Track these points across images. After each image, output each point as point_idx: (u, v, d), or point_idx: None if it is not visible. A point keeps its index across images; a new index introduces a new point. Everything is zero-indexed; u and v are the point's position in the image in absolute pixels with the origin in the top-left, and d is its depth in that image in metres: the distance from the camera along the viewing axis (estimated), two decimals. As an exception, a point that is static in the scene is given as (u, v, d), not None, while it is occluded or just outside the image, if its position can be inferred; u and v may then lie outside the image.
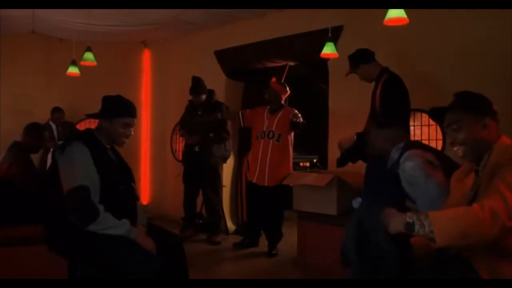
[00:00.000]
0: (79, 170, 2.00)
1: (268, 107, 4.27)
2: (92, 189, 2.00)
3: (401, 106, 2.93)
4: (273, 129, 4.13)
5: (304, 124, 4.04)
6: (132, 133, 2.26)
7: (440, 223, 1.41)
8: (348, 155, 3.04)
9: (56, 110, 5.69)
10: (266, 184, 4.12)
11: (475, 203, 1.41)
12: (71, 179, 2.00)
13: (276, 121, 4.14)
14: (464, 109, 1.67)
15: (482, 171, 1.60)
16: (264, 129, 4.18)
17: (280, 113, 4.16)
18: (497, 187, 1.42)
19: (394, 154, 2.29)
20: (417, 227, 1.44)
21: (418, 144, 2.54)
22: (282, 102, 4.28)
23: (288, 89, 4.28)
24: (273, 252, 4.12)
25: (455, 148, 1.70)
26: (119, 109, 2.20)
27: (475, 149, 1.65)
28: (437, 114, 1.79)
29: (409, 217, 1.47)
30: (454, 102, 1.72)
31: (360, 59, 3.18)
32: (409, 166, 2.15)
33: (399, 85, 2.95)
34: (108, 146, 2.25)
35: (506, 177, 1.43)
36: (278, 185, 4.08)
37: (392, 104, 2.88)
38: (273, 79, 4.32)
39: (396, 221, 1.53)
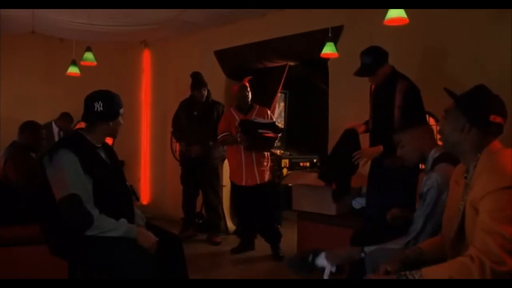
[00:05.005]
0: (68, 179, 1.99)
1: (234, 107, 4.15)
2: (84, 196, 1.98)
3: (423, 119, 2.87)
4: None
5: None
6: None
7: (429, 268, 1.39)
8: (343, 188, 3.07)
9: (64, 115, 5.30)
10: (258, 182, 4.01)
11: (465, 256, 1.36)
12: (61, 188, 2.00)
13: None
14: (457, 102, 1.57)
15: (469, 182, 1.51)
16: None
17: (255, 112, 4.08)
18: (483, 227, 1.35)
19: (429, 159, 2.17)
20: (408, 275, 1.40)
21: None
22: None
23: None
24: (280, 254, 4.01)
25: (439, 137, 1.64)
26: (119, 104, 2.22)
27: (449, 147, 1.59)
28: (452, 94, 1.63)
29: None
30: (458, 95, 1.58)
31: (381, 62, 2.90)
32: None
33: (419, 97, 2.86)
34: (99, 145, 2.22)
35: (486, 217, 1.36)
36: (267, 182, 4.06)
37: (414, 117, 2.76)
38: (248, 78, 4.19)
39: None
